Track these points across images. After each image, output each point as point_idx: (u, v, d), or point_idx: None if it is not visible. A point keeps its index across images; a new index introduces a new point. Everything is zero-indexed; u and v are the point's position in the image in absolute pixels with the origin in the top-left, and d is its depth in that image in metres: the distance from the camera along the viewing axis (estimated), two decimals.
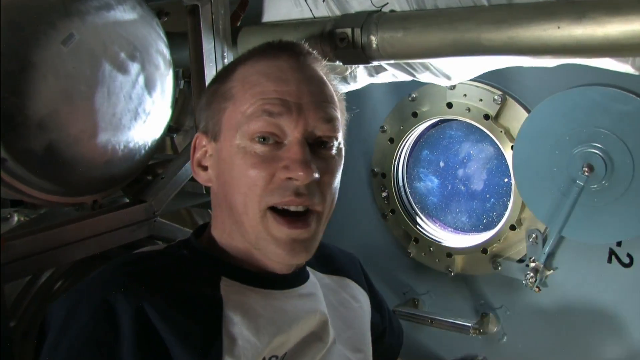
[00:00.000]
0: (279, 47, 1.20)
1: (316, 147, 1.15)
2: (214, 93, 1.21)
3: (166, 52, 1.61)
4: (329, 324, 1.27)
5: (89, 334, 1.01)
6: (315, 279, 1.35)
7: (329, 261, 1.46)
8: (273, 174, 1.11)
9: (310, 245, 1.17)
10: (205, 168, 1.24)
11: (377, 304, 1.54)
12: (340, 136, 1.20)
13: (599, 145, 1.82)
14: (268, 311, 1.16)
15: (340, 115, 1.23)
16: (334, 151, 1.18)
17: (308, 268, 1.35)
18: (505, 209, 2.18)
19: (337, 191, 1.22)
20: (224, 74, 1.22)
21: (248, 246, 1.19)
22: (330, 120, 1.16)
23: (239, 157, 1.12)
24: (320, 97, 1.16)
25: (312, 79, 1.18)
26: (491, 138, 2.13)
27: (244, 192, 1.12)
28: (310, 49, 1.24)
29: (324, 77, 1.22)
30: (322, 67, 1.24)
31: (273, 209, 1.12)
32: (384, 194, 2.43)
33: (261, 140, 1.11)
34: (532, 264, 2.02)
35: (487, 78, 2.02)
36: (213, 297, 1.12)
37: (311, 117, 1.13)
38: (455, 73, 1.81)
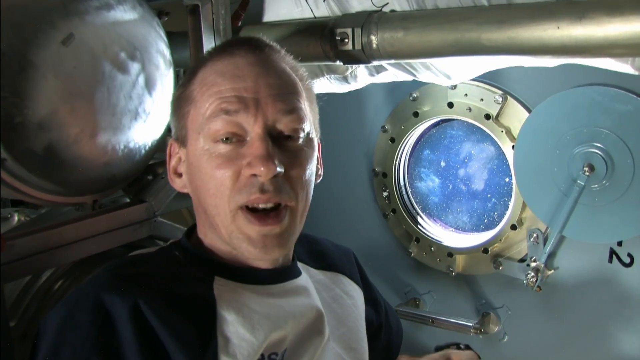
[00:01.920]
0: (236, 44, 1.19)
1: (282, 140, 1.13)
2: (178, 98, 1.20)
3: (166, 51, 1.60)
4: (324, 317, 1.27)
5: (93, 341, 1.01)
6: (307, 275, 1.34)
7: (321, 257, 1.45)
8: (239, 172, 1.10)
9: (284, 240, 1.14)
10: (180, 175, 1.23)
11: (371, 300, 1.52)
12: (308, 126, 1.18)
13: (599, 145, 1.83)
14: (263, 307, 1.15)
15: (308, 104, 1.21)
16: (300, 142, 1.16)
17: (301, 264, 1.34)
18: (506, 209, 2.18)
19: (312, 183, 1.20)
20: (186, 78, 1.21)
21: (227, 247, 1.19)
22: (292, 111, 1.14)
23: (204, 160, 1.12)
24: (280, 89, 1.14)
25: (271, 72, 1.15)
26: (492, 138, 2.13)
27: (213, 193, 1.11)
28: (269, 42, 1.22)
29: (286, 68, 1.20)
30: (282, 58, 1.21)
31: (243, 208, 1.11)
32: (385, 194, 2.43)
33: (224, 140, 1.10)
34: (533, 264, 2.02)
35: (488, 78, 2.02)
36: (206, 297, 1.12)
37: (270, 110, 1.11)
38: (456, 73, 1.81)
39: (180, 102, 1.19)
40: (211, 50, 1.24)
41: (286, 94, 1.15)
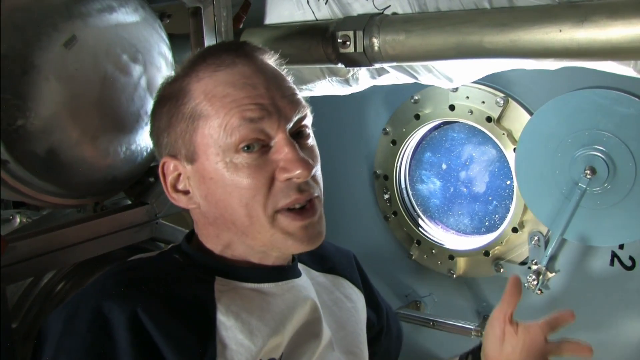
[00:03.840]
0: (232, 51, 1.17)
1: (296, 139, 1.15)
2: (174, 115, 1.16)
3: (168, 54, 1.60)
4: (322, 320, 1.27)
5: (88, 348, 1.01)
6: (308, 277, 1.34)
7: (323, 259, 1.45)
8: (272, 179, 1.10)
9: (321, 226, 1.17)
10: (185, 192, 1.20)
11: (373, 303, 1.52)
12: (310, 122, 1.21)
13: (601, 148, 1.82)
14: (263, 310, 1.16)
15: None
16: (310, 139, 1.19)
17: (302, 266, 1.35)
18: (508, 212, 2.18)
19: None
20: (176, 93, 1.17)
21: (247, 251, 1.19)
22: (302, 111, 1.16)
23: (229, 173, 1.10)
24: (288, 91, 1.16)
25: (275, 76, 1.17)
26: (493, 140, 2.13)
27: (245, 204, 1.11)
28: (259, 45, 1.23)
29: (280, 70, 1.22)
30: (275, 62, 1.23)
31: (281, 210, 1.12)
32: (386, 196, 2.43)
33: (246, 149, 1.09)
34: (534, 267, 2.02)
35: (490, 80, 2.02)
36: (206, 301, 1.12)
37: (289, 113, 1.13)
38: (458, 75, 1.81)
39: (179, 118, 1.15)
40: (194, 62, 1.18)
41: (293, 95, 1.17)
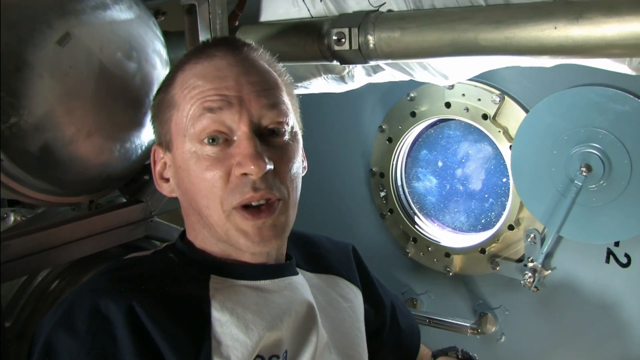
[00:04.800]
0: (213, 46, 1.19)
1: (267, 137, 1.14)
2: (160, 104, 1.21)
3: (163, 51, 1.60)
4: (317, 313, 1.26)
5: (89, 348, 1.01)
6: (303, 278, 1.34)
7: (318, 259, 1.44)
8: (229, 173, 1.10)
9: (278, 230, 1.15)
10: (167, 180, 1.24)
11: (371, 298, 1.51)
12: (292, 120, 1.19)
13: (596, 145, 1.82)
14: (258, 305, 1.15)
15: (289, 98, 1.22)
16: (286, 137, 1.17)
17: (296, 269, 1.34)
18: (504, 209, 2.18)
19: (300, 176, 1.21)
20: (166, 84, 1.22)
21: (222, 247, 1.20)
22: (276, 106, 1.15)
23: (192, 163, 1.12)
24: (262, 86, 1.15)
25: (252, 70, 1.16)
26: (489, 138, 2.13)
27: (204, 195, 1.12)
28: (246, 40, 1.23)
29: (265, 65, 1.21)
30: (260, 56, 1.22)
31: (237, 207, 1.12)
32: (382, 194, 2.43)
33: (210, 141, 1.11)
34: (530, 264, 2.02)
35: (486, 78, 2.02)
36: (201, 298, 1.12)
37: (254, 106, 1.12)
38: (453, 73, 1.80)
39: (162, 108, 1.20)
40: (187, 53, 1.23)
41: (268, 89, 1.16)
